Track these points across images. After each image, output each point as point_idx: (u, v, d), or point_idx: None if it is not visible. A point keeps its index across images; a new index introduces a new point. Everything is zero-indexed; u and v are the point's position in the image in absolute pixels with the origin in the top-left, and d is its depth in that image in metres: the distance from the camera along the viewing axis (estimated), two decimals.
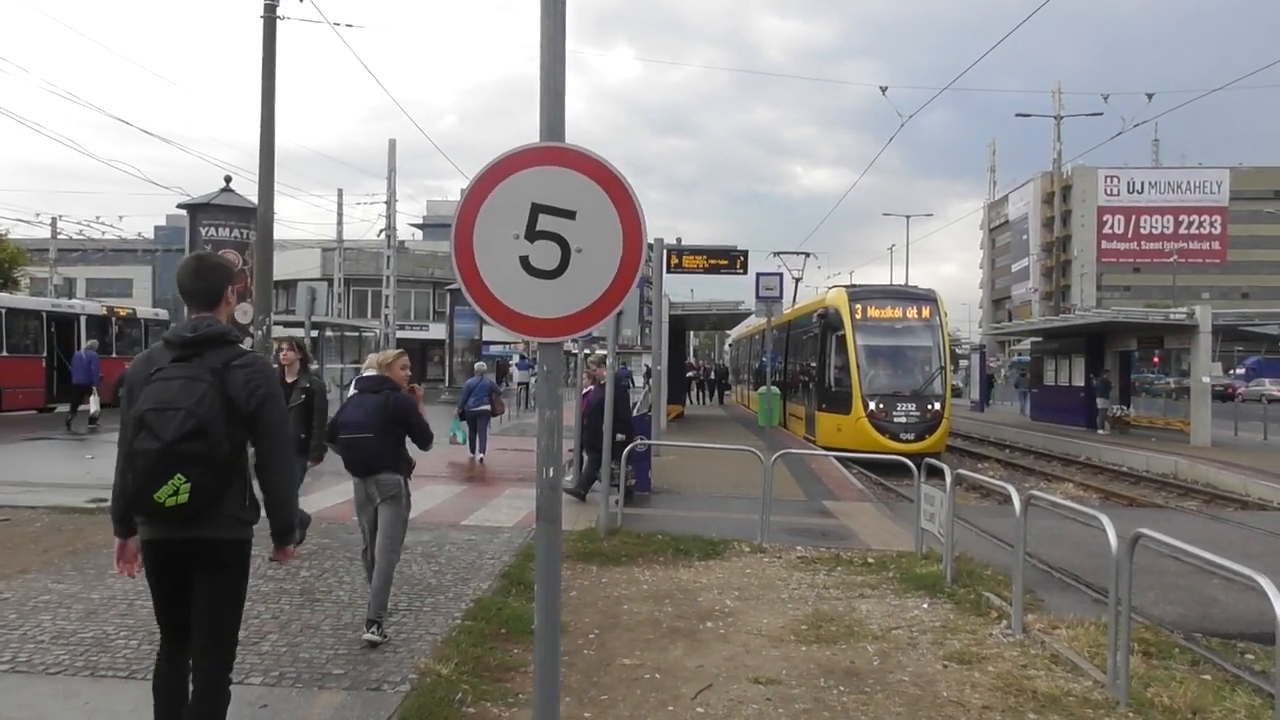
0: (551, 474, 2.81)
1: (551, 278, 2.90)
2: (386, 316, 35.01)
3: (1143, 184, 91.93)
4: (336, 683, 4.95)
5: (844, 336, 19.54)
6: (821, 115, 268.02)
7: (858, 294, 20.71)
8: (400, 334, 35.30)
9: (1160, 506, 15.04)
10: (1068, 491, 16.94)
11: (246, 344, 17.56)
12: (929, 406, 18.89)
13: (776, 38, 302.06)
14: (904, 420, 18.70)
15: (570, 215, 2.87)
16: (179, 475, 3.09)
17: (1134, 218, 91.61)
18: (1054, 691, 5.16)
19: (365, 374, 6.27)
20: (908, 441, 17.86)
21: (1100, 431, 24.78)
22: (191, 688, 3.39)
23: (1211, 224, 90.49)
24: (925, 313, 19.92)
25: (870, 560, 8.56)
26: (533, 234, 2.88)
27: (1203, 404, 21.97)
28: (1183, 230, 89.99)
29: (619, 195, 2.91)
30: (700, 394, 38.68)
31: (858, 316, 19.61)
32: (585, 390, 11.63)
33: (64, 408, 20.76)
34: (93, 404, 19.48)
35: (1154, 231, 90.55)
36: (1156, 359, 25.29)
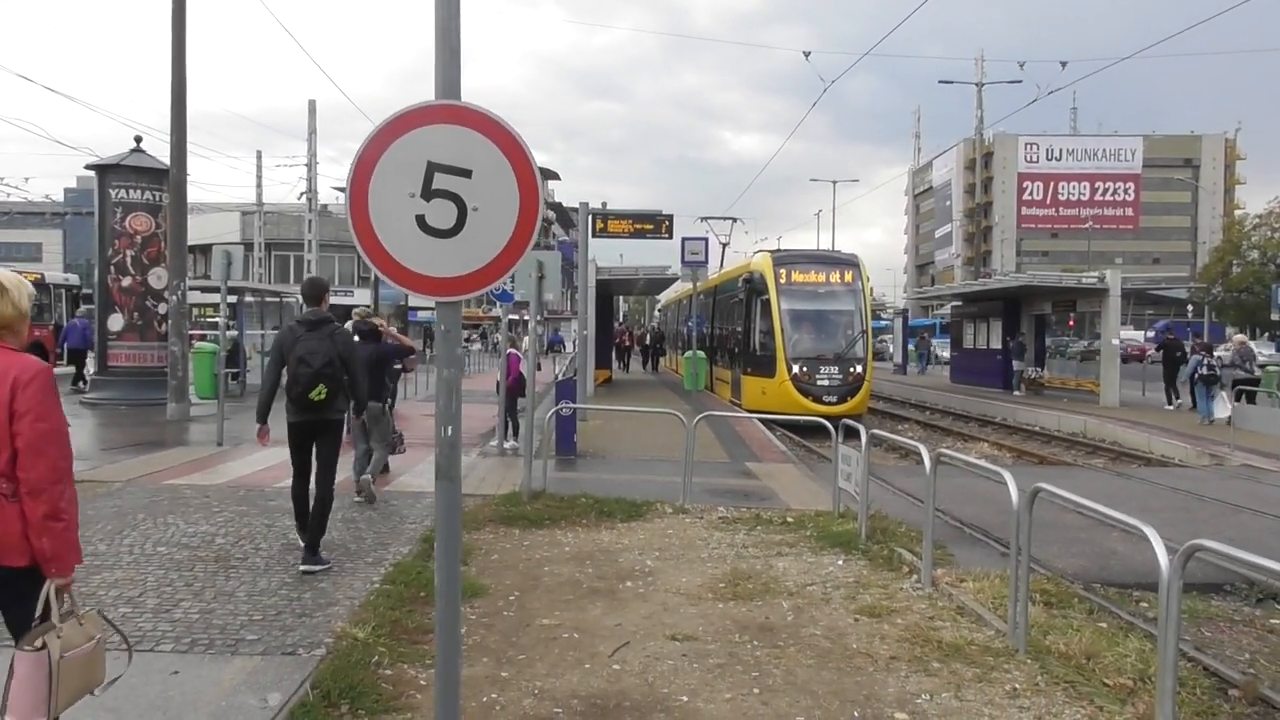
0: (450, 432, 2.80)
1: (448, 237, 2.85)
2: None
3: (1061, 151, 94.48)
4: (250, 648, 4.89)
5: (769, 301, 19.77)
6: (749, 80, 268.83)
7: (782, 259, 20.92)
8: None
9: (1069, 464, 15.63)
10: (982, 451, 17.49)
11: (161, 309, 17.10)
12: (851, 369, 19.27)
13: (703, 2, 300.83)
14: (827, 383, 19.07)
15: (466, 174, 2.83)
16: (321, 385, 6.42)
17: (1052, 184, 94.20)
18: (958, 641, 5.36)
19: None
20: (830, 404, 18.19)
21: (1016, 393, 25.57)
22: (313, 496, 6.62)
23: (1125, 191, 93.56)
24: (848, 277, 20.23)
25: (789, 520, 8.74)
26: (429, 193, 2.83)
27: (1112, 366, 22.83)
28: (1098, 197, 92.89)
29: (515, 153, 2.87)
30: (625, 360, 37.71)
31: (782, 281, 19.84)
32: (508, 352, 11.59)
33: None
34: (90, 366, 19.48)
35: (1071, 198, 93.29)
36: (1072, 322, 26.14)
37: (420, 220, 2.85)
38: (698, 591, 6.37)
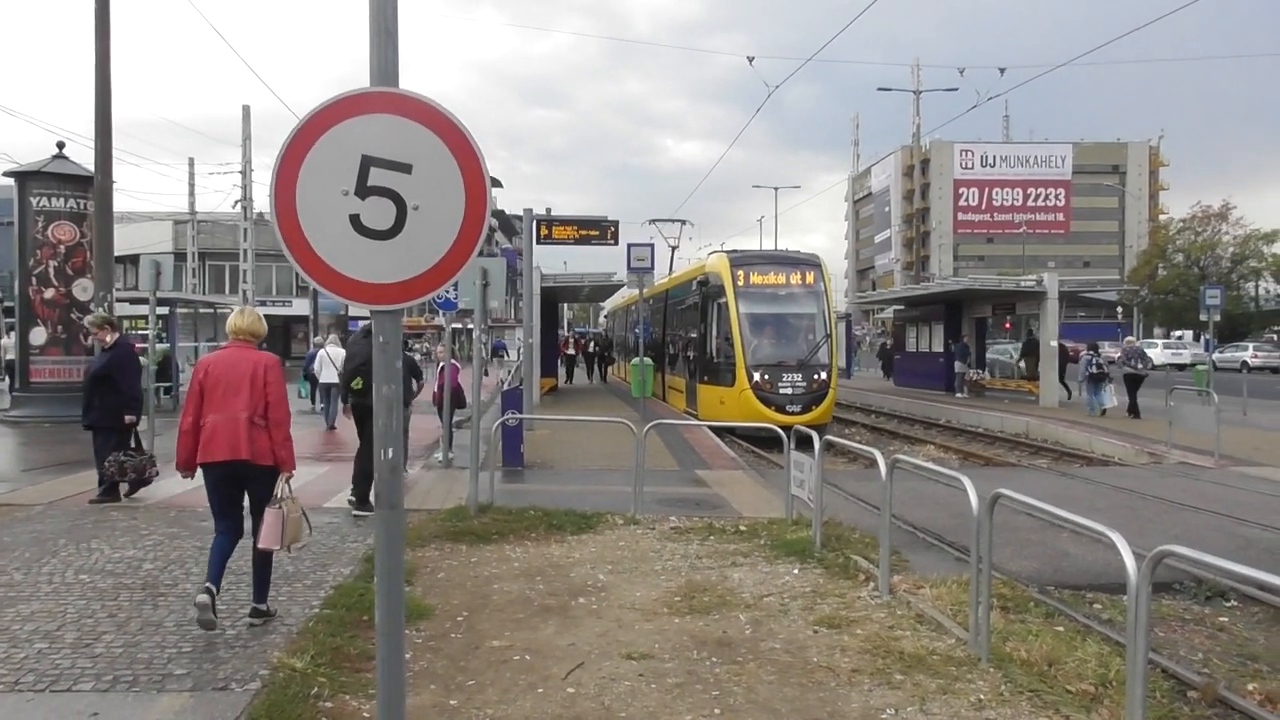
0: (391, 455, 2.57)
1: (386, 238, 2.61)
2: (245, 292, 33.40)
3: (995, 158, 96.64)
4: (178, 684, 4.57)
5: (726, 304, 18.60)
6: (691, 88, 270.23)
7: (740, 259, 19.68)
8: (261, 310, 33.61)
9: (1014, 465, 15.79)
10: (929, 453, 17.62)
11: (85, 321, 16.43)
12: (815, 376, 18.10)
13: (645, 8, 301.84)
14: (790, 391, 17.90)
15: (406, 169, 2.59)
16: (358, 378, 8.77)
17: (987, 190, 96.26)
18: (919, 651, 5.25)
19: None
20: (794, 413, 17.03)
21: (958, 395, 25.89)
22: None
23: (1057, 197, 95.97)
24: (809, 278, 19.15)
25: (742, 528, 8.59)
26: (364, 190, 2.58)
27: (1050, 367, 23.22)
28: (1031, 203, 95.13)
29: (460, 146, 2.64)
30: (570, 370, 35.92)
31: (740, 283, 18.67)
32: (440, 365, 11.33)
33: None
34: None
35: (1005, 204, 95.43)
36: (1009, 324, 26.56)
37: (355, 220, 2.60)
38: (653, 606, 6.18)
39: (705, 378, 19.78)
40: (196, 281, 42.90)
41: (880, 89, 66.48)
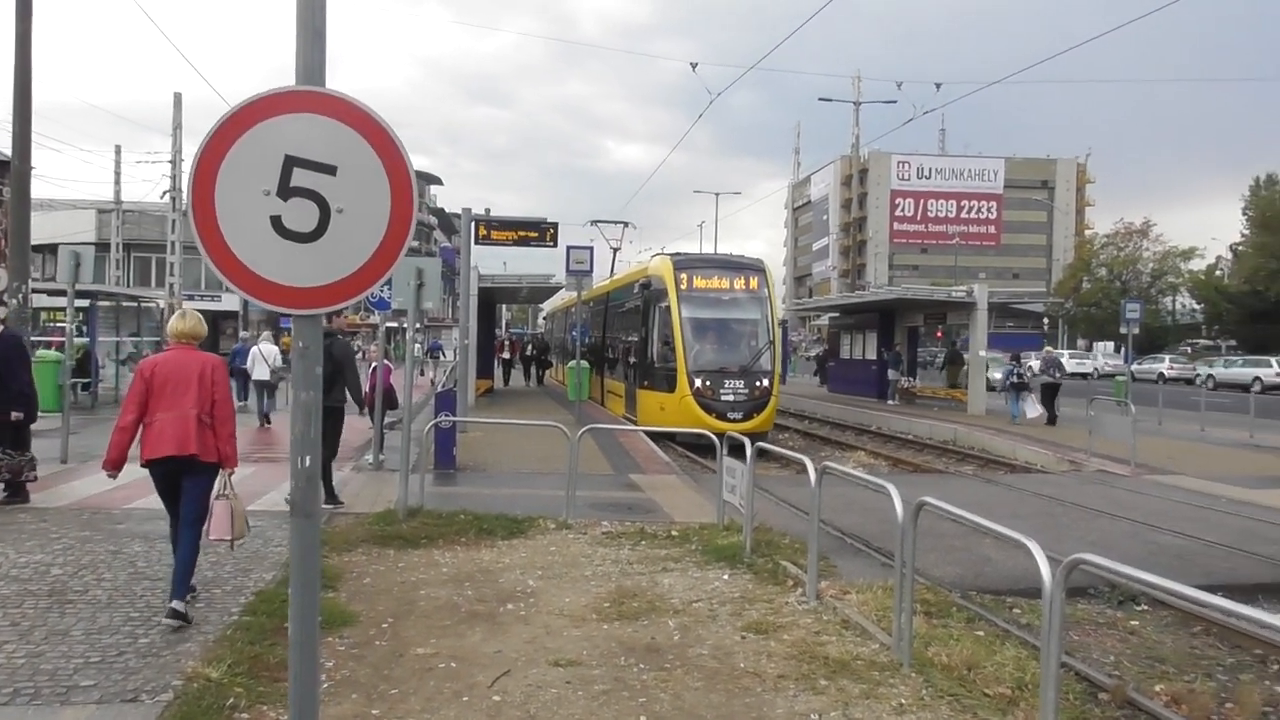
0: (308, 463, 2.51)
1: (308, 241, 2.55)
2: (172, 286, 32.49)
3: (930, 170, 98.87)
4: (84, 695, 4.40)
5: (668, 308, 18.22)
6: (635, 91, 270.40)
7: (683, 262, 19.28)
8: (189, 305, 32.73)
9: (941, 472, 16.12)
10: (860, 460, 17.88)
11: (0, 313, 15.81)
12: (757, 384, 17.86)
13: (592, 10, 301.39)
14: (732, 398, 17.61)
15: (330, 170, 2.53)
16: None
17: (922, 202, 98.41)
18: (844, 657, 5.32)
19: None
20: (735, 420, 16.82)
21: (890, 402, 26.36)
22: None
23: (989, 209, 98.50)
24: (753, 283, 18.89)
25: (674, 533, 8.62)
26: (286, 191, 2.51)
27: (979, 376, 23.80)
28: (964, 215, 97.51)
29: (386, 148, 2.59)
30: (507, 374, 35.50)
31: (683, 287, 18.29)
32: (373, 367, 11.15)
33: None
34: None
35: (940, 215, 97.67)
36: (940, 334, 27.14)
37: (276, 222, 2.53)
38: (582, 612, 6.16)
39: (645, 383, 19.35)
40: (120, 273, 41.54)
41: (821, 99, 67.25)
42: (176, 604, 5.48)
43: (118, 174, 38.04)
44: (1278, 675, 6.33)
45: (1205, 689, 5.87)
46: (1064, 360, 30.64)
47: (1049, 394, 21.33)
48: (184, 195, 2.48)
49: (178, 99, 32.91)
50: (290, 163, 2.51)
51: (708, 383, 17.65)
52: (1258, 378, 36.33)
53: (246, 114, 2.54)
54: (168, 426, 5.48)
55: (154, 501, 8.28)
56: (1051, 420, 20.79)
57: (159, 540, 7.30)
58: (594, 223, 29.14)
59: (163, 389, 5.54)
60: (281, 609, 5.78)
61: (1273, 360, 37.89)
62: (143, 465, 5.61)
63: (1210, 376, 38.76)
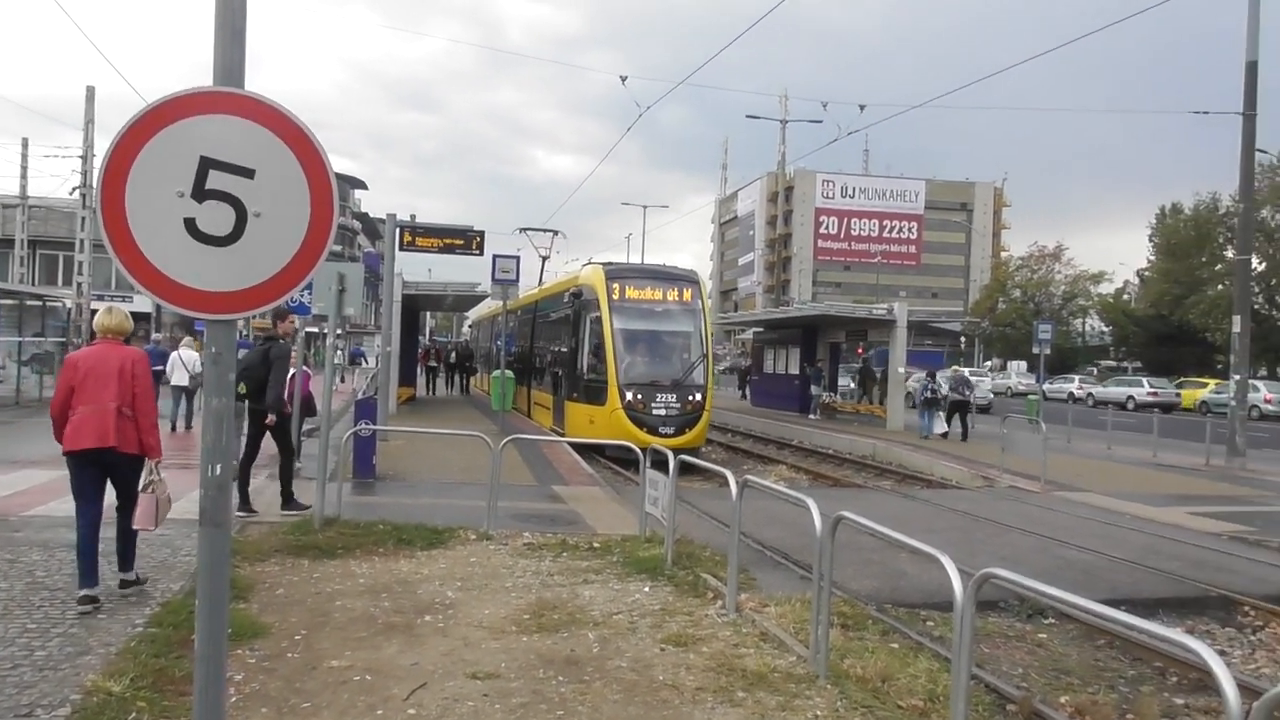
0: (219, 471, 2.44)
1: (223, 245, 2.48)
2: (80, 285, 31.26)
3: (854, 189, 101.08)
4: None
5: (599, 319, 17.75)
6: (565, 101, 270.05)
7: (615, 272, 18.82)
8: (99, 305, 31.50)
9: (860, 486, 16.42)
10: (781, 473, 18.10)
11: None
12: (690, 397, 17.52)
13: (521, 19, 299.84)
14: (664, 412, 17.24)
15: (248, 174, 2.47)
16: (241, 384, 8.75)
17: (846, 220, 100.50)
18: (761, 669, 5.37)
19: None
20: (667, 435, 16.40)
21: (812, 417, 26.77)
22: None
23: (910, 230, 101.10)
24: (687, 295, 18.55)
25: (596, 545, 8.60)
26: (201, 193, 2.44)
27: (898, 392, 24.37)
28: (886, 234, 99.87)
29: (306, 152, 2.54)
30: (431, 382, 34.33)
31: (615, 297, 17.81)
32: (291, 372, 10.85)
33: None
34: None
35: (862, 234, 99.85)
36: (861, 350, 27.71)
37: (190, 224, 2.45)
38: (501, 624, 6.10)
39: (574, 395, 18.77)
40: (25, 271, 39.79)
41: (749, 116, 68.24)
42: (125, 574, 6.13)
43: (24, 168, 36.48)
44: (1176, 687, 6.61)
45: (1108, 700, 6.10)
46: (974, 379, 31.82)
47: (957, 410, 22.26)
48: (94, 193, 2.40)
49: (90, 93, 31.71)
50: (206, 164, 2.44)
51: (639, 396, 17.24)
52: (1131, 396, 41.11)
53: (161, 112, 2.46)
54: (88, 419, 5.71)
55: (54, 508, 8.02)
56: (964, 436, 21.49)
57: (59, 549, 7.01)
58: (523, 230, 28.43)
59: (84, 382, 5.77)
60: (189, 620, 5.58)
61: (1144, 381, 43.91)
62: (64, 455, 5.83)
63: (1090, 395, 44.00)
